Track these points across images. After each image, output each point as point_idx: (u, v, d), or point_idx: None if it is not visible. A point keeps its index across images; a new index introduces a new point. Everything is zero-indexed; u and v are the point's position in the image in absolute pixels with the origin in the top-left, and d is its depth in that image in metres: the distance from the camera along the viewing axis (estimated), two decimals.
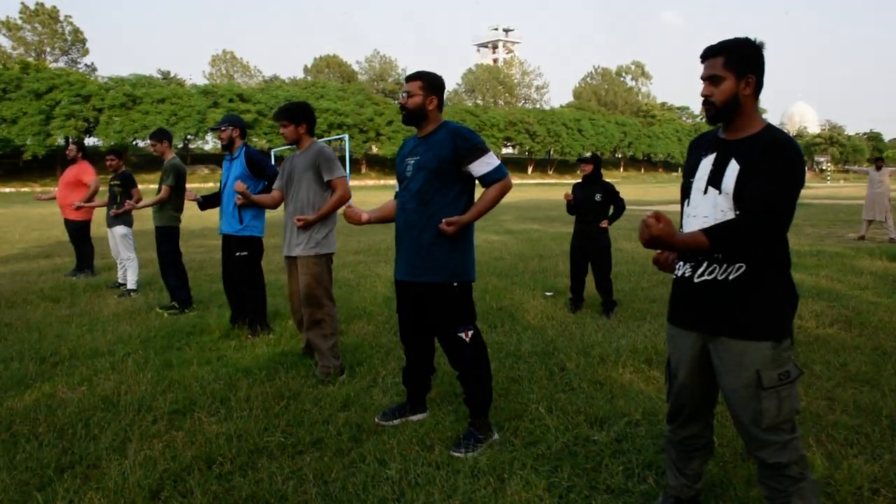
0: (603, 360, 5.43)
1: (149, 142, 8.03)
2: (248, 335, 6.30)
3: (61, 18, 74.08)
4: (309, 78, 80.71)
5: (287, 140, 5.30)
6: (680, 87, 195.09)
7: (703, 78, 2.58)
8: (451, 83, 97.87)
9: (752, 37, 2.58)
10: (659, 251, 2.76)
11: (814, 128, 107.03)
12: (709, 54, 2.57)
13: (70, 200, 10.10)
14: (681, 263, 2.74)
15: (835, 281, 8.76)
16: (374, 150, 71.12)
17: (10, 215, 26.52)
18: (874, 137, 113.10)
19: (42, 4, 72.93)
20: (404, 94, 4.01)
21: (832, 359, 5.34)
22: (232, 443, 3.94)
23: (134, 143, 61.50)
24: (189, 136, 62.86)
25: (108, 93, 58.48)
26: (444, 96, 4.09)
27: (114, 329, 6.83)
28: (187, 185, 7.46)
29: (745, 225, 2.44)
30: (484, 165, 3.83)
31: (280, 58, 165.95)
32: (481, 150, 3.84)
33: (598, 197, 7.23)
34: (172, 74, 77.47)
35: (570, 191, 7.36)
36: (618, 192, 7.30)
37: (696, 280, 2.65)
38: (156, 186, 7.99)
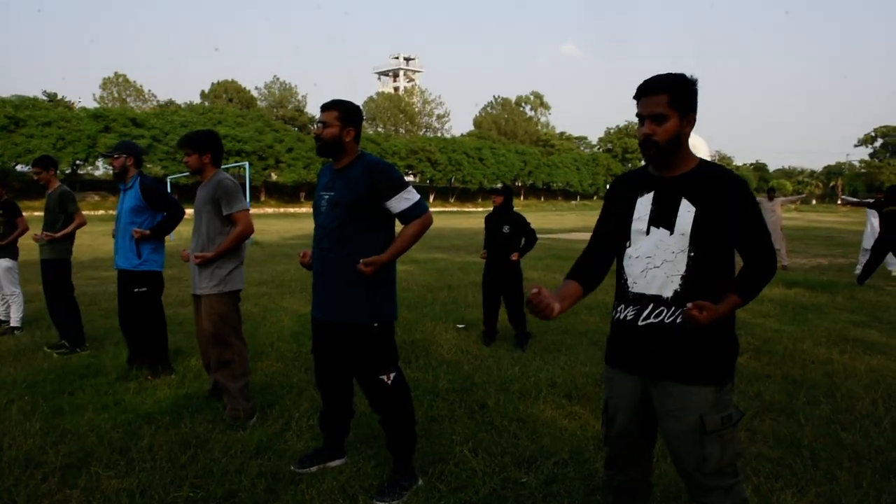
0: (523, 395, 5.37)
1: (32, 169, 7.52)
2: (148, 376, 5.93)
3: None
4: (206, 103, 78.74)
5: (190, 169, 5.06)
6: (578, 118, 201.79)
7: (643, 115, 2.50)
8: None
9: (687, 73, 2.52)
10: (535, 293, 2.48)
11: (706, 158, 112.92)
12: (650, 91, 2.48)
13: None
14: (622, 307, 2.68)
15: (739, 309, 9.07)
16: (274, 177, 69.98)
17: None
18: (760, 168, 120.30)
19: None
20: (319, 125, 3.85)
21: (747, 388, 5.47)
22: (135, 500, 3.62)
23: (16, 167, 58.12)
24: (78, 162, 59.84)
25: None
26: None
27: None
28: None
29: (769, 273, 2.54)
30: (402, 202, 3.71)
31: (175, 81, 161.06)
32: (400, 186, 3.71)
33: (506, 229, 7.24)
34: (60, 97, 74.04)
35: (482, 243, 7.28)
36: (528, 224, 7.33)
37: (640, 323, 2.61)
38: (41, 214, 7.48)
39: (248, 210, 5.03)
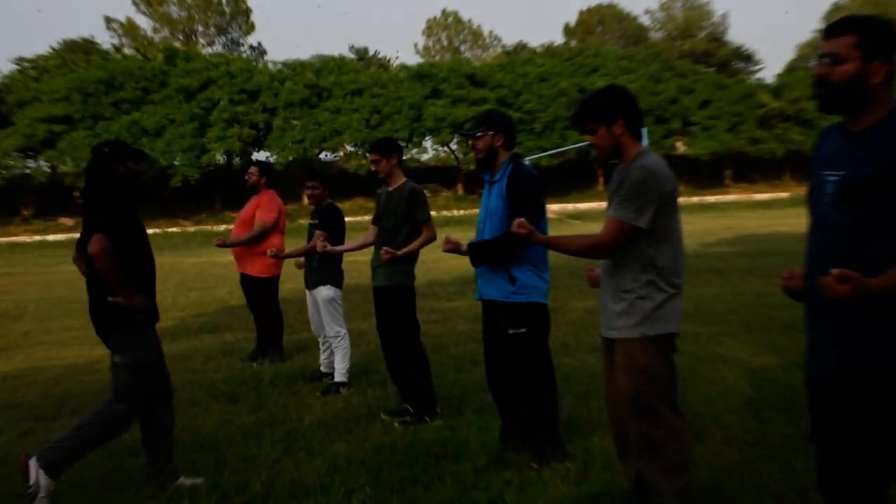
0: None
1: (369, 156, 8.26)
2: (531, 463, 6.01)
3: None
4: (573, 43, 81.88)
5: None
6: None
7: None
8: None
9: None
10: None
11: None
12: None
13: (253, 247, 10.62)
14: None
15: None
16: (681, 148, 70.45)
17: (160, 267, 28.78)
18: None
19: None
20: (825, 60, 3.66)
21: None
22: None
23: (321, 155, 65.71)
24: (401, 143, 65.94)
25: (283, 85, 63.02)
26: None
27: (322, 448, 6.89)
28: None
29: None
30: None
31: (527, 16, 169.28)
32: None
33: None
34: (372, 53, 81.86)
35: None
36: None
37: None
38: (367, 219, 8.27)
39: None
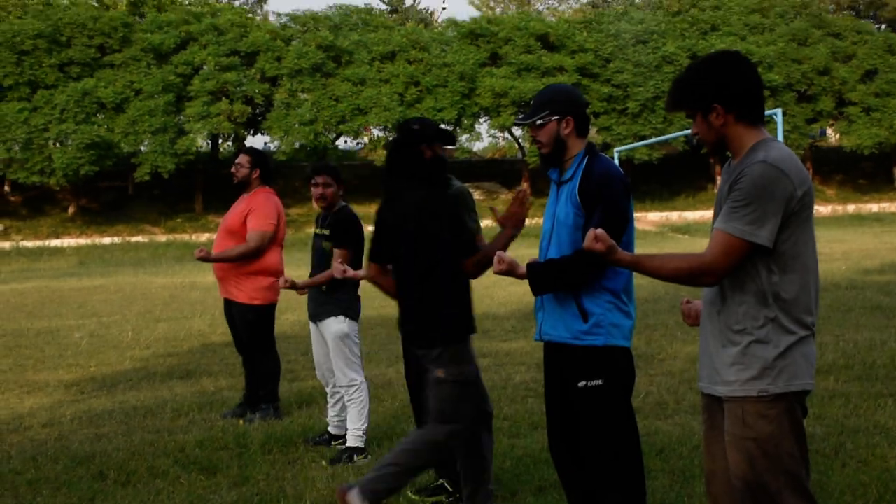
0: None
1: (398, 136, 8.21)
2: None
3: None
4: None
5: None
6: None
7: None
8: None
9: None
10: None
11: None
12: None
13: (242, 265, 10.72)
14: None
15: None
16: (833, 137, 70.10)
17: (118, 290, 29.45)
18: None
19: None
20: None
21: None
22: None
23: (339, 142, 65.84)
24: (447, 128, 65.74)
25: (288, 46, 63.28)
26: None
27: None
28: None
29: None
30: None
31: None
32: None
33: None
34: (410, 2, 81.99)
35: None
36: None
37: None
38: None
39: None
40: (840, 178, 69.89)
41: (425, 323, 6.91)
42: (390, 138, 62.06)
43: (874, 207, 64.52)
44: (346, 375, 9.21)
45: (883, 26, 78.62)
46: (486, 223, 7.29)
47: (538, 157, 6.49)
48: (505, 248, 6.94)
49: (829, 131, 75.73)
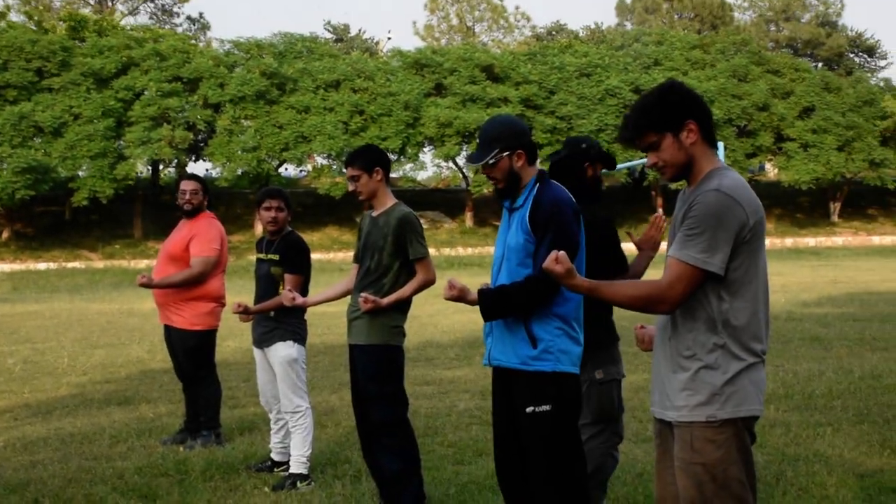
0: None
1: (347, 170, 8.27)
2: None
3: None
4: (628, 25, 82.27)
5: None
6: None
7: None
8: None
9: None
10: None
11: None
12: None
13: (182, 291, 10.68)
14: None
15: None
16: (772, 172, 70.81)
17: (53, 315, 29.24)
18: None
19: None
20: None
21: None
22: None
23: (282, 169, 65.65)
24: (390, 156, 65.74)
25: (231, 73, 63.29)
26: None
27: None
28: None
29: None
30: None
31: None
32: None
33: None
34: (354, 32, 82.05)
35: None
36: None
37: None
38: (339, 258, 8.23)
39: None
40: (779, 212, 70.59)
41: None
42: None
43: (811, 241, 65.29)
44: (293, 402, 9.18)
45: (820, 65, 79.64)
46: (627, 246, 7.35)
47: (496, 192, 6.50)
48: (644, 269, 7.57)
49: (768, 166, 76.57)
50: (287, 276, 9.22)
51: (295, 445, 9.16)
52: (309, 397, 9.41)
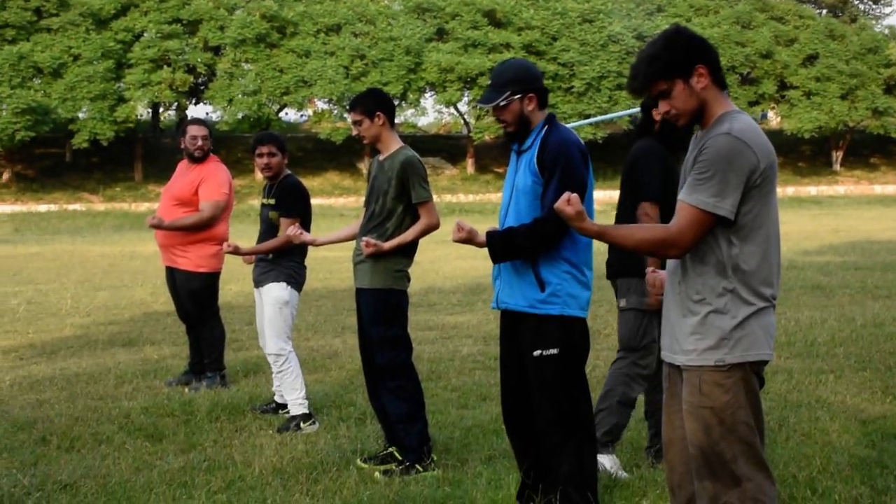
0: None
1: (349, 115, 8.24)
2: None
3: None
4: None
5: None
6: None
7: None
8: None
9: None
10: None
11: None
12: None
13: (188, 234, 10.71)
14: None
15: None
16: (774, 120, 70.45)
17: (55, 257, 29.42)
18: None
19: None
20: None
21: None
22: None
23: (282, 113, 65.28)
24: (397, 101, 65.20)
25: (232, 15, 62.83)
26: None
27: None
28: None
29: None
30: None
31: None
32: None
33: None
34: None
35: None
36: None
37: None
38: (341, 203, 8.20)
39: None
40: (780, 160, 69.33)
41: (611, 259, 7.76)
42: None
43: (813, 190, 65.17)
44: (276, 344, 9.22)
45: (824, 12, 79.22)
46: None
47: (505, 135, 6.48)
48: None
49: (771, 114, 76.31)
50: (282, 220, 9.25)
51: (287, 391, 9.26)
52: (292, 341, 9.50)
